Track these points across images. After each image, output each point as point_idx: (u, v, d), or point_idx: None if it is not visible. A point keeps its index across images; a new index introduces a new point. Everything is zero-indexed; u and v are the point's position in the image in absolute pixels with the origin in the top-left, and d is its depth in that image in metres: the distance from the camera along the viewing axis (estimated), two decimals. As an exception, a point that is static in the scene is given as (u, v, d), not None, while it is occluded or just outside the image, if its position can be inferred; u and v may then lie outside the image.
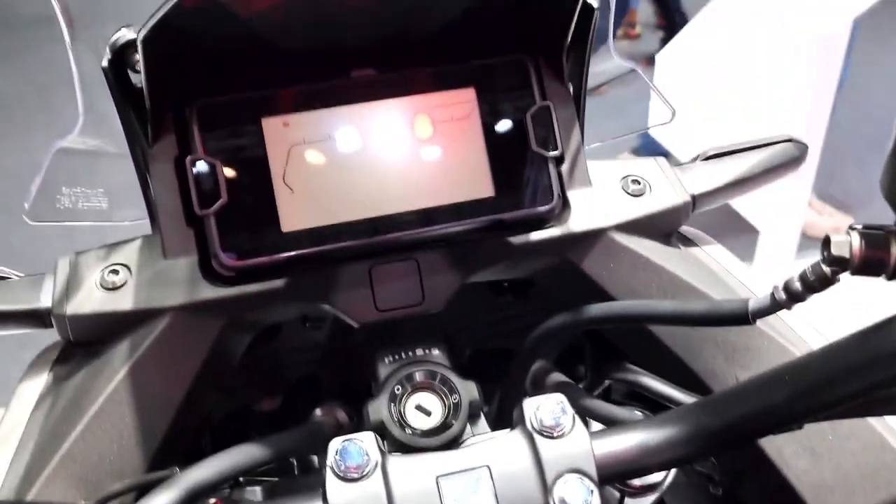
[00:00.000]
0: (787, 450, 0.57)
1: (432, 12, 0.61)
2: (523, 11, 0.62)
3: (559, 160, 0.66)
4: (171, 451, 0.58)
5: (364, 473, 0.46)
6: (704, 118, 2.21)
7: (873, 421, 0.58)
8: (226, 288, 0.59)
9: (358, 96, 0.62)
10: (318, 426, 0.64)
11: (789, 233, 2.32)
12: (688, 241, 0.73)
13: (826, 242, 0.42)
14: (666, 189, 0.69)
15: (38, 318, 0.60)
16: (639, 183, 0.69)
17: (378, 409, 0.57)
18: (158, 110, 0.59)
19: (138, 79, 0.58)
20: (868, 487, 0.56)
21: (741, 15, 2.19)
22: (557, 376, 0.70)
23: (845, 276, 0.43)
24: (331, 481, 0.46)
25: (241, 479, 0.68)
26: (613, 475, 0.48)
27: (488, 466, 0.47)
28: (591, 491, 0.46)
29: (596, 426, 0.62)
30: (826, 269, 0.43)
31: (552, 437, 0.48)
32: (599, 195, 0.67)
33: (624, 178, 0.69)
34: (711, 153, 0.76)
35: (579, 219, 0.65)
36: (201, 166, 0.59)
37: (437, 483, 0.47)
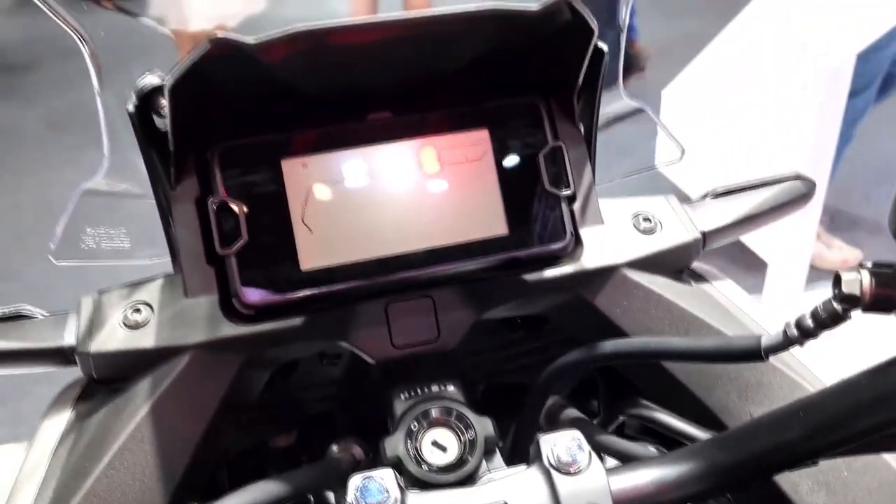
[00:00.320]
0: (802, 486, 0.57)
1: (446, 57, 0.63)
2: (536, 55, 0.64)
3: (571, 199, 0.67)
4: (190, 488, 0.59)
5: None
6: (711, 148, 2.23)
7: (888, 457, 0.58)
8: (246, 326, 0.60)
9: (374, 138, 0.64)
10: (336, 462, 0.65)
11: (798, 265, 2.32)
12: (699, 278, 0.74)
13: (837, 280, 0.43)
14: (677, 226, 0.70)
15: (62, 356, 0.61)
16: (650, 220, 0.70)
17: (395, 445, 0.58)
18: (181, 153, 0.61)
19: (161, 122, 0.60)
20: None
21: (746, 50, 2.22)
22: (572, 412, 0.71)
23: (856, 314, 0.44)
24: None
25: None
26: None
27: (506, 503, 0.48)
28: None
29: (611, 462, 0.63)
30: (837, 306, 0.44)
31: (569, 474, 0.48)
32: (611, 233, 0.68)
33: (635, 215, 0.70)
34: (720, 190, 0.77)
35: (592, 256, 0.67)
36: (223, 207, 0.60)
37: None
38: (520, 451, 0.72)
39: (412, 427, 0.59)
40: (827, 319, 0.45)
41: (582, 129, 0.69)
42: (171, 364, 0.59)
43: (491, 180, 0.65)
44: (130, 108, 0.58)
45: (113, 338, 0.60)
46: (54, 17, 0.60)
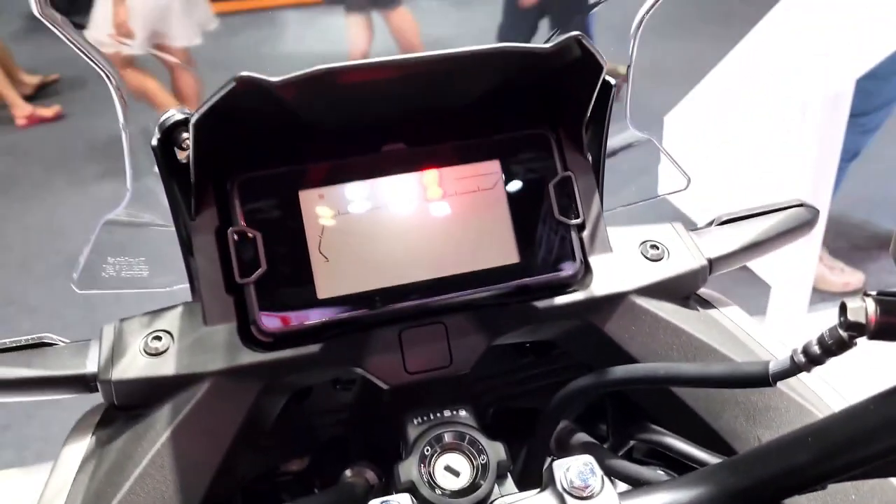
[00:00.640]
0: None
1: (459, 92, 0.65)
2: (546, 89, 0.66)
3: (581, 227, 0.69)
4: None
5: None
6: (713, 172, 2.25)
7: (895, 481, 0.59)
8: (264, 353, 0.62)
9: (389, 169, 0.65)
10: (350, 487, 0.66)
11: (800, 288, 2.33)
12: (706, 303, 0.75)
13: (843, 308, 0.44)
14: (683, 253, 0.72)
15: (83, 383, 0.62)
16: (657, 248, 0.71)
17: (408, 469, 0.59)
18: (201, 184, 0.62)
19: (182, 155, 0.62)
20: None
21: (746, 78, 2.25)
22: (582, 436, 0.72)
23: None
24: None
25: None
26: None
27: None
28: None
29: (622, 486, 0.64)
30: (843, 333, 0.45)
31: (582, 498, 0.49)
32: (620, 260, 0.70)
33: (643, 243, 0.72)
34: (725, 217, 0.79)
35: (601, 283, 0.68)
36: (242, 237, 0.62)
37: None
38: (530, 475, 0.72)
39: (425, 452, 0.60)
40: (833, 346, 0.45)
41: (590, 159, 0.71)
42: (191, 391, 0.60)
43: (502, 209, 0.66)
44: (154, 142, 0.60)
45: (134, 365, 0.61)
46: (80, 53, 0.62)
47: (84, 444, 0.63)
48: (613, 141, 0.72)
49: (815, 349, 0.47)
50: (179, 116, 0.60)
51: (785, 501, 0.58)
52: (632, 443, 0.74)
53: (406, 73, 0.57)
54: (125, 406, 0.62)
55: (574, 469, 0.51)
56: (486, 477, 0.59)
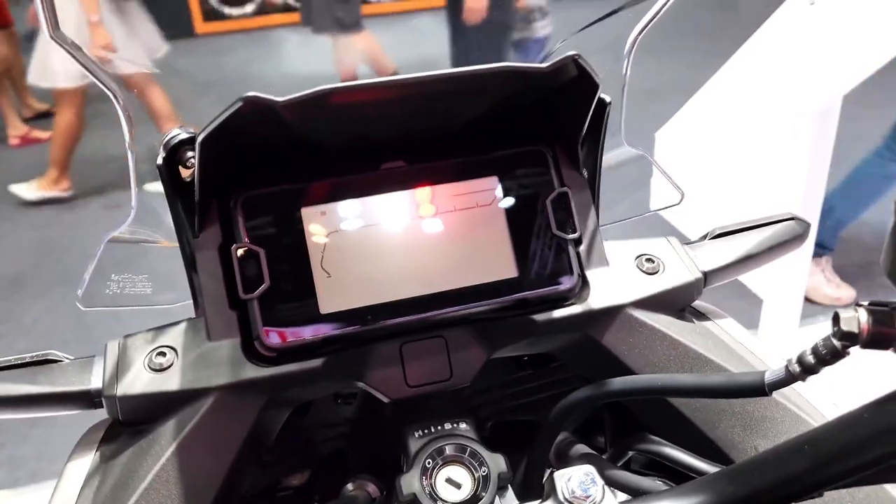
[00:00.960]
0: None
1: (457, 111, 0.66)
2: (542, 108, 0.67)
3: (578, 241, 0.70)
4: None
5: None
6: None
7: (890, 487, 0.60)
8: (267, 368, 0.62)
9: (389, 187, 0.66)
10: (352, 500, 0.67)
11: (792, 301, 2.35)
12: (701, 315, 0.77)
13: (836, 319, 0.45)
14: (679, 267, 0.73)
15: (88, 399, 0.62)
16: (653, 261, 0.73)
17: (410, 482, 0.60)
18: (205, 202, 0.63)
19: (186, 173, 0.63)
20: None
21: (737, 94, 2.28)
22: (581, 448, 0.73)
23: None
24: None
25: None
26: None
27: None
28: None
29: (621, 496, 0.64)
30: (836, 343, 0.45)
31: None
32: (616, 274, 0.71)
33: (638, 257, 0.73)
34: (718, 231, 0.80)
35: (598, 296, 0.69)
36: (245, 254, 0.63)
37: None
38: (530, 486, 0.73)
39: (427, 464, 0.61)
40: (827, 356, 0.46)
41: (586, 175, 0.72)
42: (195, 406, 0.61)
43: (500, 225, 0.67)
44: (159, 160, 0.61)
45: (138, 381, 0.62)
46: (91, 76, 0.63)
47: (88, 459, 0.63)
48: (608, 157, 0.73)
49: (810, 359, 0.47)
50: (184, 135, 0.61)
51: (782, 509, 0.59)
52: (630, 453, 0.75)
53: (407, 93, 0.59)
54: (129, 421, 0.63)
55: (575, 479, 0.52)
56: (488, 489, 0.60)
